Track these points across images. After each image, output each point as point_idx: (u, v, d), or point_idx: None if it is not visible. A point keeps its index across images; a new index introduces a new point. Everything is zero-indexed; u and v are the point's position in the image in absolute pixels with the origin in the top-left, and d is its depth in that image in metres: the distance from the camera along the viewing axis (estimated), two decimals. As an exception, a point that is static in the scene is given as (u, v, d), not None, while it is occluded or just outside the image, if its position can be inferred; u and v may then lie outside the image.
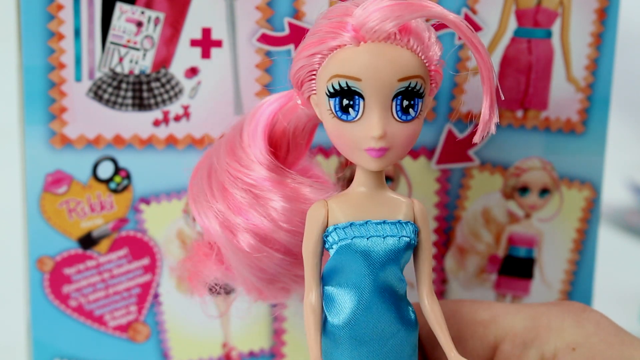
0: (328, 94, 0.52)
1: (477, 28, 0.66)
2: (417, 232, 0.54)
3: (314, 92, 0.53)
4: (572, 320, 0.58)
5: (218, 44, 0.64)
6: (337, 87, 0.51)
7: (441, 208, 0.69)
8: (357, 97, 0.51)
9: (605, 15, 0.67)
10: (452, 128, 0.67)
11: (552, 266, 0.71)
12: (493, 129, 0.53)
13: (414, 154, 0.68)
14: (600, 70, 0.68)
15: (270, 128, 0.56)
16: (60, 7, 0.62)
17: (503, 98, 0.54)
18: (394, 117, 0.52)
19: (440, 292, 0.71)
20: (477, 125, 0.53)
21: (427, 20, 0.53)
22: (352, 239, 0.53)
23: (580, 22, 0.67)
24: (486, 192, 0.69)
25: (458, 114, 0.67)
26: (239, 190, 0.55)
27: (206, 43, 0.64)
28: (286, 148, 0.57)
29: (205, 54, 0.64)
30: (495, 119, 0.53)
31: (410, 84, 0.52)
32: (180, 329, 0.68)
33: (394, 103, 0.52)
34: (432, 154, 0.68)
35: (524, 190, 0.70)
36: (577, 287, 0.72)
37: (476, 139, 0.53)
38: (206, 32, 0.64)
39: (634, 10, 1.15)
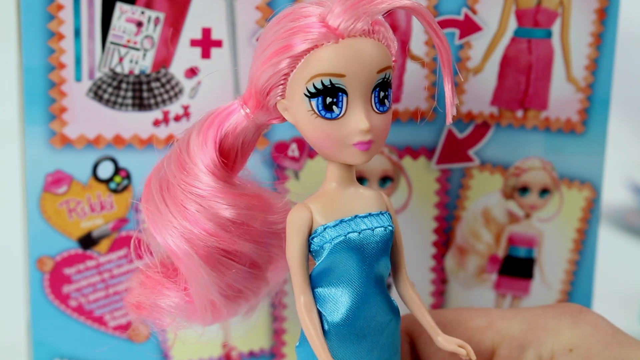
0: (308, 94, 0.52)
1: (477, 28, 0.66)
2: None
3: (280, 97, 0.53)
4: (568, 321, 0.58)
5: (218, 44, 0.64)
6: (319, 87, 0.52)
7: (441, 208, 0.69)
8: (340, 93, 0.52)
9: (605, 15, 0.67)
10: (452, 128, 0.67)
11: (552, 266, 0.71)
12: (454, 110, 0.54)
13: (414, 153, 0.68)
14: (600, 70, 0.68)
15: (220, 140, 0.55)
16: (60, 7, 0.62)
17: (462, 79, 0.54)
18: (373, 110, 0.53)
19: (440, 292, 0.71)
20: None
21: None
22: (346, 236, 0.53)
23: (580, 22, 0.67)
24: (486, 192, 0.69)
25: (458, 114, 0.67)
26: (193, 203, 0.54)
27: (206, 43, 0.64)
28: (234, 158, 0.56)
29: (205, 54, 0.64)
30: (456, 100, 0.54)
31: (385, 75, 0.53)
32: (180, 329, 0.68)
33: (372, 95, 0.52)
34: (432, 154, 0.68)
35: (524, 190, 0.70)
36: (577, 287, 0.72)
37: (448, 120, 0.54)
38: (206, 32, 0.64)
39: (634, 10, 1.15)
